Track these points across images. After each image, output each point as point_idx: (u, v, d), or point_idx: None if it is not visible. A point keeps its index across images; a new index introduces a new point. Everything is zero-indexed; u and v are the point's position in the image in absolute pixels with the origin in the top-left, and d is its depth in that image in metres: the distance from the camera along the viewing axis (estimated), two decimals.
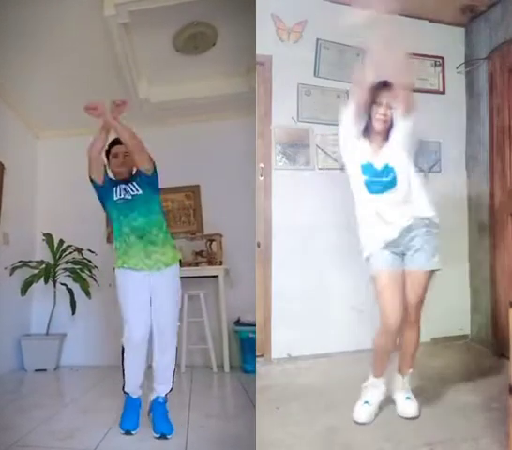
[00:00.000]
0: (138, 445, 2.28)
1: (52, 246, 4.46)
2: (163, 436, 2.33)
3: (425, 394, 2.50)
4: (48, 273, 4.26)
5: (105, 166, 2.60)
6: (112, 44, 3.36)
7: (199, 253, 4.43)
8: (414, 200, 2.26)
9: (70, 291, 4.30)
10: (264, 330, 3.21)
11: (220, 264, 4.30)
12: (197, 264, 4.36)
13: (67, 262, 4.40)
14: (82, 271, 4.33)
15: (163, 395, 2.53)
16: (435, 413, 2.30)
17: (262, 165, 3.26)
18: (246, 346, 3.95)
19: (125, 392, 2.53)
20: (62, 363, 4.41)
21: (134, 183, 2.58)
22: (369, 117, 2.27)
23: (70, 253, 4.43)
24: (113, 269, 2.55)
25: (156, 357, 2.51)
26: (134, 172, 2.62)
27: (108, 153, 2.66)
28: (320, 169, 3.29)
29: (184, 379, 3.81)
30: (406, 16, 3.46)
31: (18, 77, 3.84)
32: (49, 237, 4.49)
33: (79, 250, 4.41)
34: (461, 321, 3.59)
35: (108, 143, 2.61)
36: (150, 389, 2.56)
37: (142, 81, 4.10)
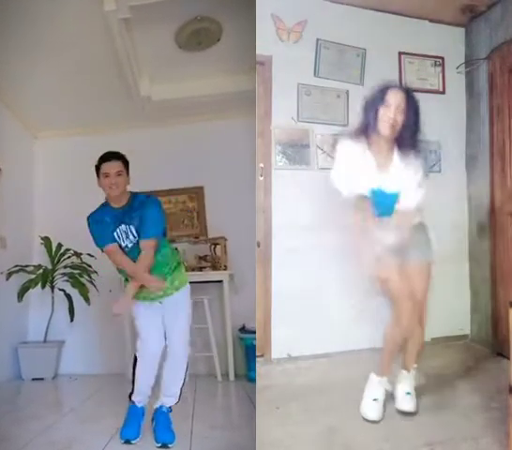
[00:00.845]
0: None
1: (50, 249, 4.31)
2: (164, 445, 2.29)
3: (425, 394, 2.50)
4: (46, 278, 4.11)
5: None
6: (113, 40, 3.23)
7: (202, 258, 4.29)
8: (414, 212, 2.27)
9: (69, 296, 4.16)
10: (264, 330, 3.21)
11: (225, 269, 4.16)
12: (200, 269, 4.22)
13: (65, 267, 4.25)
14: (81, 276, 4.17)
15: (168, 405, 2.49)
16: (435, 413, 2.29)
17: (262, 165, 3.26)
18: (251, 354, 3.79)
19: (131, 400, 2.49)
20: (60, 371, 4.28)
21: (132, 226, 2.37)
22: (375, 118, 2.14)
23: (69, 257, 4.28)
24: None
25: (165, 372, 2.50)
26: (135, 201, 2.39)
27: (98, 169, 2.38)
28: (320, 169, 3.29)
29: (187, 388, 3.54)
30: (406, 16, 3.47)
31: (14, 75, 3.71)
32: (47, 241, 4.34)
33: (78, 254, 4.23)
34: (461, 321, 3.59)
35: (98, 160, 2.40)
36: (155, 397, 2.53)
37: (143, 78, 3.97)
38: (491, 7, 3.37)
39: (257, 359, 3.21)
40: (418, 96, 3.50)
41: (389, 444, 2.03)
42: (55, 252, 4.30)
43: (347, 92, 3.34)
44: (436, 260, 2.35)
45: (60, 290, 4.20)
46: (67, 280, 4.19)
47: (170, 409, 2.50)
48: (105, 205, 2.45)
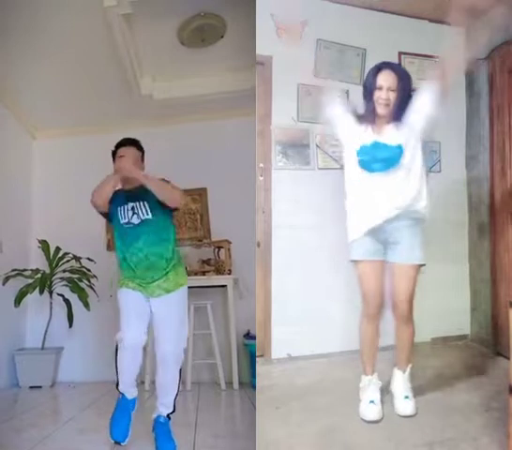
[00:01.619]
0: None
1: (49, 253, 4.19)
2: None
3: (425, 394, 2.50)
4: (44, 282, 3.97)
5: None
6: (113, 37, 3.16)
7: (206, 261, 4.19)
8: (411, 189, 2.22)
9: (68, 302, 4.06)
10: (265, 330, 3.21)
11: (229, 273, 4.05)
12: (204, 273, 4.11)
13: (64, 271, 4.13)
14: (80, 281, 4.06)
15: (164, 415, 2.43)
16: (435, 413, 2.29)
17: (261, 165, 3.26)
18: (256, 361, 3.72)
19: (119, 391, 2.44)
20: (58, 379, 4.18)
21: (145, 202, 2.37)
22: (372, 101, 2.24)
23: (68, 261, 4.16)
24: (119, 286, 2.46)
25: (157, 381, 2.45)
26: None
27: (114, 155, 2.51)
28: (320, 169, 3.29)
29: (190, 396, 3.61)
30: (406, 16, 3.47)
31: (12, 73, 3.64)
32: (45, 244, 4.21)
33: (77, 258, 4.13)
34: (461, 321, 3.59)
35: (115, 145, 2.52)
36: (154, 407, 2.48)
37: (144, 76, 3.88)
38: (491, 7, 3.37)
39: (257, 359, 3.21)
40: None
41: (389, 444, 2.03)
42: (54, 256, 4.19)
43: (347, 92, 3.34)
44: (426, 261, 2.33)
45: (59, 295, 4.10)
46: (66, 285, 4.08)
47: (168, 418, 2.43)
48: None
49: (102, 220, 2.99)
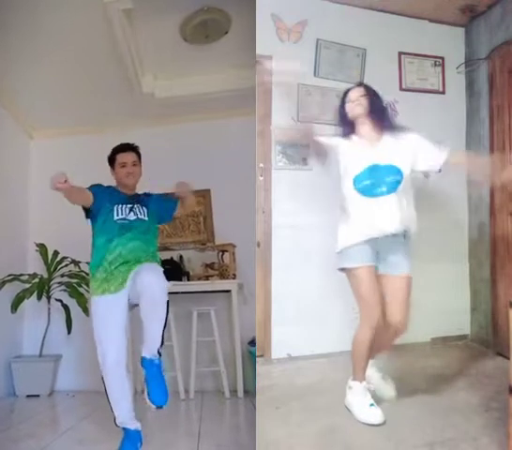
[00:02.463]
0: None
1: (46, 257, 4.02)
2: (159, 407, 2.19)
3: (425, 394, 2.50)
4: (41, 287, 3.81)
5: (89, 189, 2.39)
6: (113, 33, 3.04)
7: (209, 265, 4.03)
8: (405, 209, 2.29)
9: (66, 307, 3.87)
10: (264, 330, 3.21)
11: (233, 278, 3.88)
12: (207, 278, 3.96)
13: (62, 276, 3.96)
14: (79, 285, 3.85)
15: (155, 352, 2.24)
16: (435, 413, 2.29)
17: (261, 165, 3.26)
18: None
19: (117, 425, 2.31)
20: (57, 388, 4.00)
21: (144, 207, 2.45)
22: (346, 115, 2.40)
23: (66, 266, 3.99)
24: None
25: (145, 324, 2.25)
26: (142, 194, 2.51)
27: (112, 161, 2.50)
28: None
29: (193, 405, 3.51)
30: (406, 16, 3.48)
31: (9, 71, 3.52)
32: (42, 248, 4.04)
33: (76, 262, 3.94)
34: (461, 321, 3.59)
35: (111, 151, 2.50)
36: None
37: (146, 74, 3.72)
38: (491, 7, 3.37)
39: (257, 359, 3.21)
40: (418, 96, 3.56)
41: (389, 444, 2.03)
42: (52, 260, 4.02)
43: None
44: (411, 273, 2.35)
45: (57, 300, 3.93)
46: (65, 290, 3.89)
47: (159, 356, 2.27)
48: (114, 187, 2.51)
49: None
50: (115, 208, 2.41)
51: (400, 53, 3.51)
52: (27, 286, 3.83)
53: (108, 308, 2.30)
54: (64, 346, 4.07)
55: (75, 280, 3.92)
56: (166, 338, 2.35)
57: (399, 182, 2.25)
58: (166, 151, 4.19)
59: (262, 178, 3.26)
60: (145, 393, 2.22)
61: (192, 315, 3.74)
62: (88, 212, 2.44)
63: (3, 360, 3.85)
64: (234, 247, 3.99)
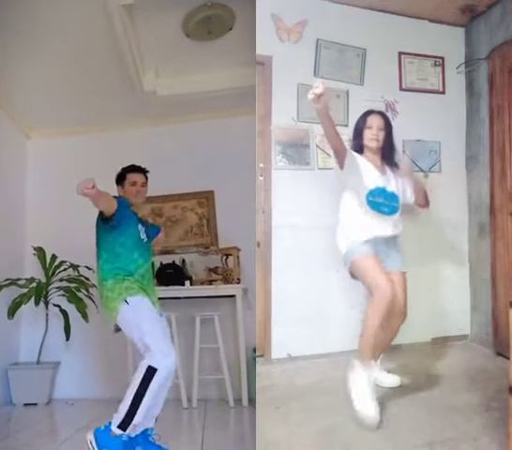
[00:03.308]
0: None
1: (44, 261, 3.94)
2: None
3: (425, 393, 2.50)
4: (39, 292, 3.72)
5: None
6: (114, 30, 2.97)
7: (213, 270, 3.96)
8: (397, 222, 2.61)
9: (65, 313, 3.80)
10: (264, 330, 3.21)
11: (238, 283, 3.82)
12: (211, 283, 3.89)
13: (60, 280, 3.88)
14: (78, 290, 3.78)
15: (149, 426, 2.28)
16: (435, 413, 2.29)
17: (261, 165, 3.26)
18: None
19: (124, 429, 2.19)
20: (55, 396, 3.91)
21: (145, 228, 2.61)
22: (362, 139, 2.58)
23: (65, 270, 3.91)
24: (125, 301, 2.28)
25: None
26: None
27: (122, 178, 2.58)
28: (320, 169, 3.29)
29: (196, 414, 3.44)
30: (406, 16, 3.48)
31: (6, 69, 3.44)
32: (40, 251, 3.97)
33: (74, 267, 3.88)
34: (461, 320, 3.59)
35: (120, 169, 2.60)
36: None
37: (147, 71, 3.63)
38: (491, 7, 3.37)
39: (257, 359, 3.21)
40: (418, 96, 3.56)
41: (389, 444, 2.03)
42: (50, 264, 3.94)
43: (347, 92, 3.34)
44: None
45: (55, 305, 3.85)
46: (63, 295, 3.81)
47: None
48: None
49: None
50: (138, 227, 2.55)
51: (400, 53, 3.51)
52: (25, 291, 3.72)
53: (155, 315, 2.35)
54: (62, 353, 3.98)
55: (74, 285, 3.83)
56: None
57: (398, 208, 2.56)
58: (167, 151, 4.13)
59: (262, 178, 3.26)
60: None
61: (195, 321, 3.69)
62: (106, 218, 2.40)
63: None
64: (239, 250, 3.89)
